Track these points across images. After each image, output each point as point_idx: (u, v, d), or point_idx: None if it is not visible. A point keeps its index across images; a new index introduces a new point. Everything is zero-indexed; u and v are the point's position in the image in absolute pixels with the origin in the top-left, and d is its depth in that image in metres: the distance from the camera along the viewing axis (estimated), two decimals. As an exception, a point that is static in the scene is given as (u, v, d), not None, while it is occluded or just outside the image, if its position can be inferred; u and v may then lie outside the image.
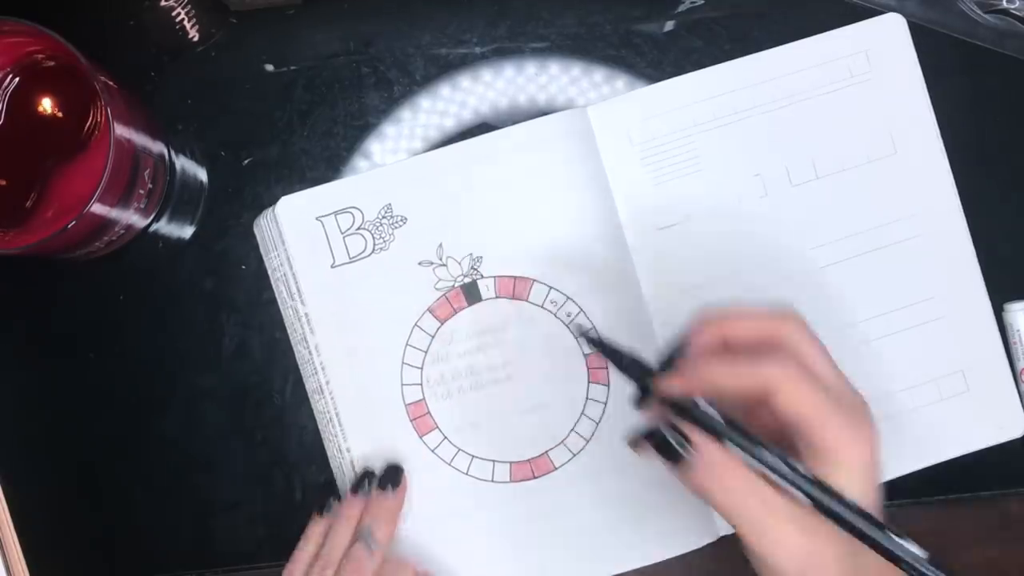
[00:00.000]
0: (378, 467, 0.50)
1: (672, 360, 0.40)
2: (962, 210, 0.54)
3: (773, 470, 0.37)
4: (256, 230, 0.53)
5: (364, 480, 0.50)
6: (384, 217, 0.52)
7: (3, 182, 0.47)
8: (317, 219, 0.52)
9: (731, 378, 0.38)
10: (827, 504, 0.36)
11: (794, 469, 0.36)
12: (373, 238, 0.52)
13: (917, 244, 0.54)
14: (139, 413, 0.53)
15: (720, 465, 0.37)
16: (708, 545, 0.52)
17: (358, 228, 0.52)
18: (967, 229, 0.54)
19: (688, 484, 0.37)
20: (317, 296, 0.51)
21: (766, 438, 0.38)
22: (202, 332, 0.53)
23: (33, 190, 0.47)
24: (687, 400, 0.39)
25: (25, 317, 0.53)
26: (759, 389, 0.37)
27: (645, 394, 0.41)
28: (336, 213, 0.52)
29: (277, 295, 0.53)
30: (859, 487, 0.37)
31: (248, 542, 0.53)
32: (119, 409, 0.53)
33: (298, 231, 0.51)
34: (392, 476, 0.50)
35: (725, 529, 0.52)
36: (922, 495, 0.54)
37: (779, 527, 0.36)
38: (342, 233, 0.52)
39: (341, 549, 0.47)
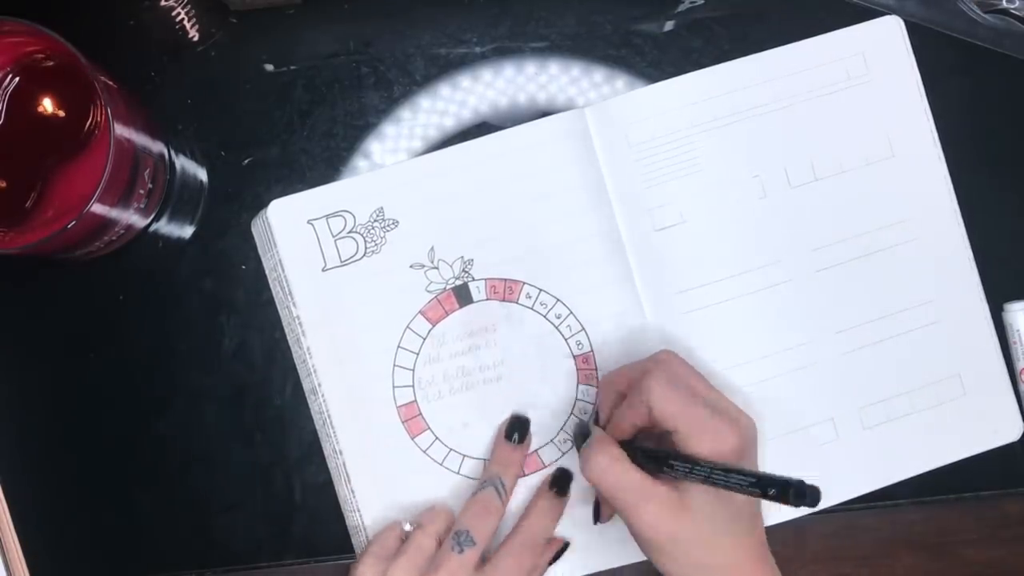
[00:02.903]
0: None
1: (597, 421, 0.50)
2: (959, 214, 0.54)
3: (652, 458, 0.44)
4: (253, 230, 0.53)
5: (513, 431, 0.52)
6: (376, 220, 0.52)
7: (3, 182, 0.47)
8: (308, 222, 0.52)
9: (629, 411, 0.46)
10: (680, 464, 0.43)
11: (666, 454, 0.44)
12: (364, 241, 0.52)
13: (914, 247, 0.54)
14: (139, 413, 0.53)
15: (601, 461, 0.45)
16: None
17: (349, 231, 0.52)
18: (964, 233, 0.54)
19: (584, 474, 0.46)
20: (309, 299, 0.51)
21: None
22: (202, 332, 0.53)
23: (33, 190, 0.47)
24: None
25: (25, 317, 0.53)
26: (646, 406, 0.44)
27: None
28: (327, 217, 0.52)
29: (274, 295, 0.53)
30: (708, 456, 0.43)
31: (248, 542, 0.53)
32: (119, 409, 0.53)
33: (289, 234, 0.51)
34: (519, 427, 0.51)
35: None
36: (922, 495, 0.54)
37: (643, 505, 0.43)
38: (333, 236, 0.52)
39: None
